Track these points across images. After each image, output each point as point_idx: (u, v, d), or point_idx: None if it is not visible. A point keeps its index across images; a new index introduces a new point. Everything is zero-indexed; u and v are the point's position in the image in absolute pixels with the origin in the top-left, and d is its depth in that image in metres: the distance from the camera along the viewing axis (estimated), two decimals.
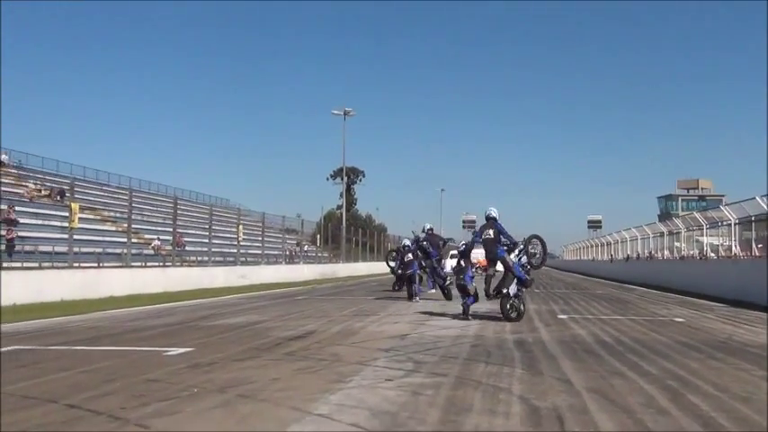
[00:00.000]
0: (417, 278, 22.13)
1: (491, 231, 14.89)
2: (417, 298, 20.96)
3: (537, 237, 15.41)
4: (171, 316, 15.96)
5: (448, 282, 20.50)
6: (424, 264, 22.47)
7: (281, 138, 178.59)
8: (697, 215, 30.47)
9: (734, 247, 26.75)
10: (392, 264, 26.24)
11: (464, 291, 15.37)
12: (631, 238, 44.48)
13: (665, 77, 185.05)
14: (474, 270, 32.14)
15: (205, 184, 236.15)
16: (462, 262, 15.39)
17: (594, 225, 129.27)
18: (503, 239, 14.83)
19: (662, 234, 37.32)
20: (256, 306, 19.35)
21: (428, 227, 23.60)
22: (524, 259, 14.94)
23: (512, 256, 14.77)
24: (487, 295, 15.44)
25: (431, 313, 16.53)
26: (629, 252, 44.70)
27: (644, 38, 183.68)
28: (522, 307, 14.80)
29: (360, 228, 62.84)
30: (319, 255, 52.36)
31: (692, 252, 32.20)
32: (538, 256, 15.20)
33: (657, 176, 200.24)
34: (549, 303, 20.19)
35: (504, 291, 14.60)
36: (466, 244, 15.73)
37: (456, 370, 8.19)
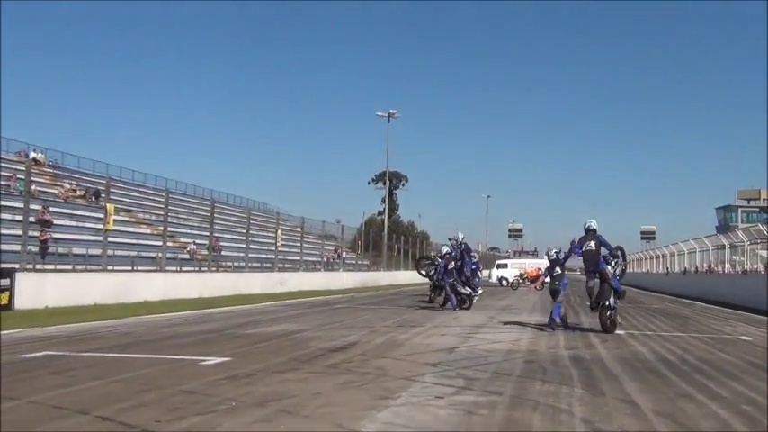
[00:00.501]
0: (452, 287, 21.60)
1: (592, 243, 15.34)
2: (455, 307, 20.84)
3: (620, 248, 16.12)
4: (207, 323, 15.89)
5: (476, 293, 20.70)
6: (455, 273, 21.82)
7: (323, 141, 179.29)
8: (762, 227, 29.71)
9: None
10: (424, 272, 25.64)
11: (556, 294, 16.46)
12: (689, 251, 43.64)
13: (726, 80, 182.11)
14: (523, 280, 31.34)
15: (243, 188, 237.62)
16: (559, 269, 16.63)
17: (648, 236, 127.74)
18: (603, 251, 15.39)
19: (722, 247, 36.54)
20: (295, 314, 19.22)
21: (461, 237, 22.63)
22: (618, 270, 15.55)
23: (608, 267, 15.32)
24: (592, 307, 15.72)
25: (479, 326, 16.22)
26: (686, 265, 43.85)
27: (706, 45, 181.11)
28: (618, 318, 15.60)
29: (402, 235, 62.75)
30: (359, 262, 52.28)
31: (755, 266, 31.43)
32: (620, 267, 15.89)
33: (716, 186, 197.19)
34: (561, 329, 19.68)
35: (606, 303, 15.15)
36: (559, 252, 16.83)
37: (510, 388, 7.92)
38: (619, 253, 15.83)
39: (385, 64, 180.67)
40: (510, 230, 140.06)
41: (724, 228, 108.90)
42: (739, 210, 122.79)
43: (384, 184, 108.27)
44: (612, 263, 15.38)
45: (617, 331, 15.36)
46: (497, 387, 7.92)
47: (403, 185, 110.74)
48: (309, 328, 14.80)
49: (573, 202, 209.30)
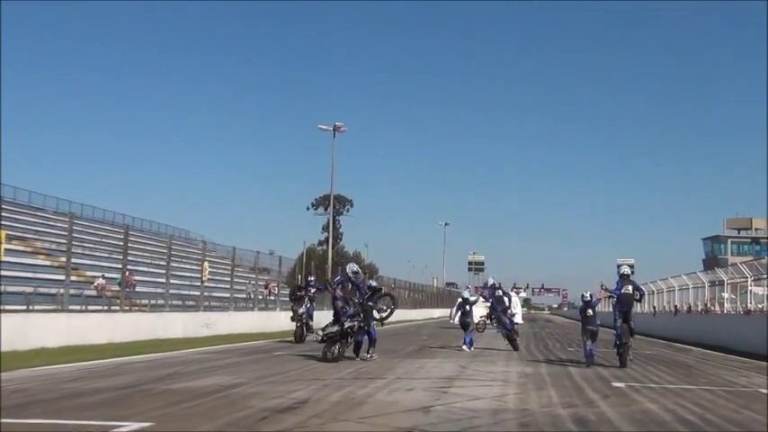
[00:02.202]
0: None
1: (630, 287, 19.76)
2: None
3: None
4: (119, 375, 14.95)
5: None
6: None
7: (253, 159, 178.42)
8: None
9: None
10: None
11: (594, 336, 19.84)
12: (681, 287, 43.64)
13: (714, 100, 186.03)
14: (490, 321, 31.51)
15: (161, 214, 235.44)
16: (591, 311, 19.88)
17: (625, 265, 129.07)
18: (635, 295, 20.04)
19: (720, 283, 36.51)
20: (227, 364, 18.33)
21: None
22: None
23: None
24: (617, 346, 19.62)
25: (450, 377, 15.56)
26: (677, 303, 43.85)
27: (693, 61, 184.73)
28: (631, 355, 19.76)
29: None
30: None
31: (761, 305, 31.37)
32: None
33: (702, 215, 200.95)
34: (594, 367, 19.21)
35: (628, 342, 19.55)
36: (591, 296, 20.10)
37: None
38: (638, 296, 20.49)
39: (328, 78, 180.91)
40: (470, 263, 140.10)
41: (712, 261, 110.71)
42: (729, 240, 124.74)
43: (326, 209, 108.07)
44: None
45: (615, 384, 14.94)
46: None
47: (347, 211, 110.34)
48: (247, 382, 13.94)
49: (538, 233, 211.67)
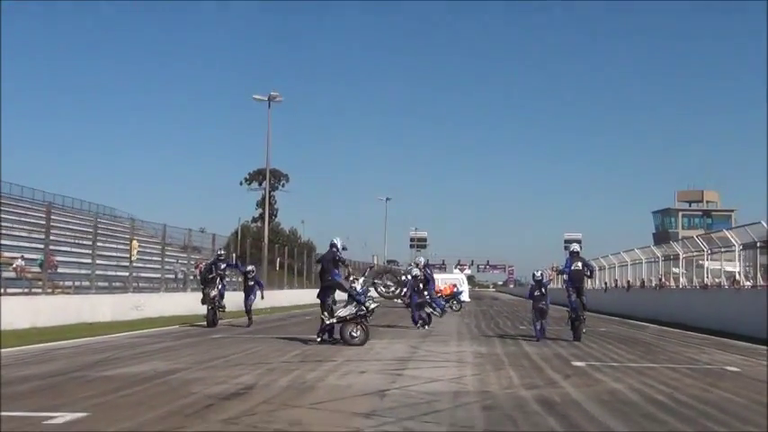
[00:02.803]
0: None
1: (580, 264, 21.46)
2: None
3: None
4: (48, 362, 14.58)
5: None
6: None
7: (183, 131, 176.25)
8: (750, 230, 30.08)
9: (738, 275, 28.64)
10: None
11: (543, 314, 21.47)
12: (633, 262, 44.07)
13: (666, 70, 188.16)
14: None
15: (84, 190, 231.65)
16: (543, 290, 21.72)
17: (574, 243, 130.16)
18: (585, 271, 21.77)
19: (675, 257, 36.92)
20: (161, 348, 18.03)
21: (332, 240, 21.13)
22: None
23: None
24: (571, 319, 21.33)
25: (402, 359, 15.45)
26: (629, 279, 44.29)
27: (639, 31, 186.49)
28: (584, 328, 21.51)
29: (284, 246, 61.47)
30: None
31: (718, 280, 31.76)
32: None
33: (652, 187, 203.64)
34: (551, 345, 19.32)
35: (582, 316, 21.34)
36: (542, 274, 22.82)
37: None
38: (588, 272, 22.32)
39: (262, 47, 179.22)
40: (412, 239, 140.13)
41: (662, 234, 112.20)
42: (680, 213, 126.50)
43: (260, 184, 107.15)
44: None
45: (576, 363, 15.00)
46: None
47: (283, 186, 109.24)
48: (186, 367, 13.64)
49: (483, 208, 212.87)
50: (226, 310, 27.13)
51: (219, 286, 26.43)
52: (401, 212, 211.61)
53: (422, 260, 28.39)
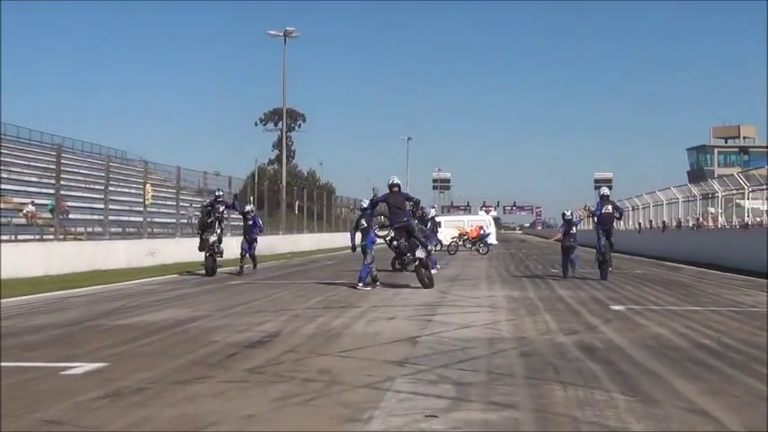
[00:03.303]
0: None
1: (610, 207, 22.55)
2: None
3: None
4: (62, 311, 14.55)
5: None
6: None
7: (196, 70, 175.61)
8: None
9: None
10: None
11: (571, 251, 23.33)
12: (669, 201, 43.71)
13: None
14: (462, 242, 31.98)
15: (93, 133, 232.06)
16: (574, 229, 23.58)
17: (604, 185, 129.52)
18: (615, 213, 22.75)
19: (713, 195, 36.54)
20: (179, 295, 18.02)
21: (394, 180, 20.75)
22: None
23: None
24: (599, 261, 22.39)
25: (431, 304, 15.28)
26: (665, 219, 43.95)
27: None
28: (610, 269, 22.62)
29: (303, 189, 61.34)
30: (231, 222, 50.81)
31: (759, 219, 31.42)
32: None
33: (686, 124, 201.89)
34: (586, 288, 19.16)
35: (610, 258, 22.47)
36: (572, 214, 24.47)
37: (524, 397, 6.93)
38: (618, 214, 23.24)
39: None
40: (435, 181, 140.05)
41: (697, 173, 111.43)
42: (715, 150, 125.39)
43: (276, 124, 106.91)
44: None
45: (614, 307, 14.84)
46: (505, 396, 6.91)
47: (299, 127, 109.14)
48: (206, 315, 13.59)
49: (509, 147, 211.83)
50: (223, 256, 25.64)
51: (218, 231, 24.81)
52: (424, 153, 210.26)
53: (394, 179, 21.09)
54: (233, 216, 30.78)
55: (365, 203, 20.96)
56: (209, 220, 24.77)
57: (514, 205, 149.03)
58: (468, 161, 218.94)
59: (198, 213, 26.85)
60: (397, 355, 9.17)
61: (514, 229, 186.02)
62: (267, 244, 44.89)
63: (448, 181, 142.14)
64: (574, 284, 20.33)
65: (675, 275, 25.04)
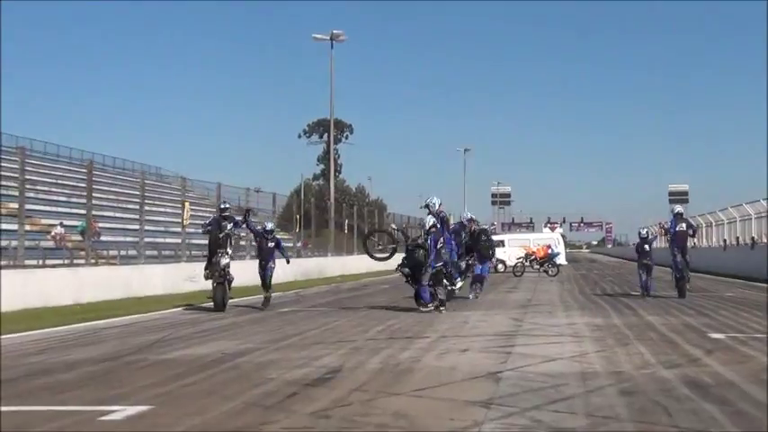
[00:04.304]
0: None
1: (684, 225, 24.41)
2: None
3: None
4: (97, 344, 14.36)
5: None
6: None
7: (231, 79, 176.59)
8: None
9: None
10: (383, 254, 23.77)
11: (650, 270, 25.12)
12: (758, 215, 42.84)
13: None
14: (530, 263, 32.28)
15: (125, 148, 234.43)
16: (647, 247, 25.16)
17: (679, 198, 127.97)
18: (689, 231, 24.94)
19: None
20: (226, 324, 17.76)
21: (437, 202, 21.31)
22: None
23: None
24: (676, 278, 24.02)
25: (507, 334, 14.86)
26: (754, 235, 43.08)
27: None
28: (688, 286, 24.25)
29: (353, 206, 61.12)
30: (294, 245, 50.62)
31: None
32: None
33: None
34: (676, 314, 18.63)
35: (687, 275, 24.04)
36: (648, 232, 26.18)
37: None
38: (692, 232, 25.76)
39: None
40: (494, 196, 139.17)
41: None
42: None
43: (321, 136, 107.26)
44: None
45: (713, 335, 14.29)
46: None
47: (346, 138, 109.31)
48: (257, 347, 13.26)
49: (573, 159, 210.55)
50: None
51: (230, 252, 22.20)
52: (482, 166, 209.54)
53: (436, 201, 21.39)
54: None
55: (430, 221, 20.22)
56: (221, 236, 21.66)
57: (582, 221, 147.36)
58: (529, 174, 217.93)
59: (202, 230, 23.35)
60: (479, 394, 8.72)
61: (581, 247, 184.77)
62: (316, 266, 44.88)
63: (508, 195, 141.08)
64: (662, 309, 19.81)
65: None
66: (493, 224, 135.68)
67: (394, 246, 23.00)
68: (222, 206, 22.96)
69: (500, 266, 47.90)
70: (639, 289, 25.15)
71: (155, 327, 17.33)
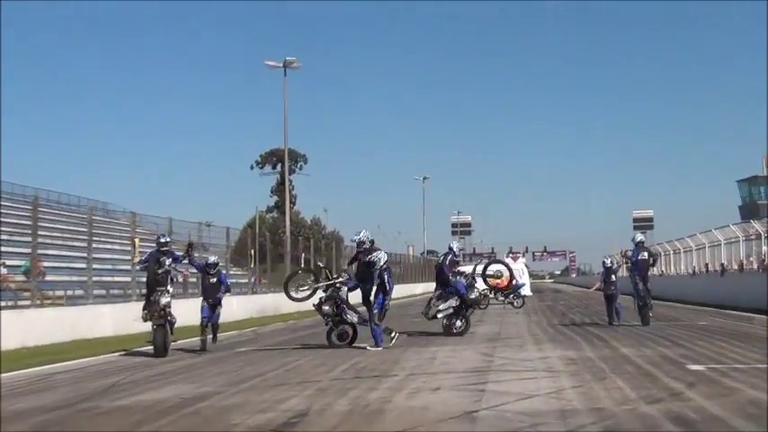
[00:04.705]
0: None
1: (645, 254, 25.74)
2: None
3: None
4: (47, 391, 14.11)
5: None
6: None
7: (180, 110, 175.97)
8: None
9: None
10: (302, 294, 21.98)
11: (613, 300, 26.49)
12: (727, 240, 43.16)
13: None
14: (494, 294, 32.64)
15: (67, 183, 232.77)
16: (614, 276, 26.56)
17: (643, 225, 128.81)
18: (650, 260, 26.15)
19: None
20: (182, 367, 17.49)
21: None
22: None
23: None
24: (639, 306, 25.06)
25: (479, 370, 14.73)
26: (723, 261, 43.39)
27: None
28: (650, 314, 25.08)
29: (309, 239, 60.88)
30: (245, 281, 50.20)
31: None
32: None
33: (737, 154, 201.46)
34: (651, 345, 18.62)
35: (649, 303, 25.18)
36: (612, 261, 27.18)
37: None
38: (652, 260, 26.83)
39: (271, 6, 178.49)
40: (454, 225, 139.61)
41: (750, 207, 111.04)
42: None
43: (274, 167, 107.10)
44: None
45: (692, 367, 14.33)
46: None
47: (300, 168, 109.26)
48: (216, 391, 13.02)
49: (534, 187, 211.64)
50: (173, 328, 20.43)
51: (170, 290, 20.48)
52: (441, 195, 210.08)
53: (364, 234, 20.61)
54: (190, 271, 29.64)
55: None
56: (160, 272, 20.21)
57: (545, 251, 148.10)
58: (490, 202, 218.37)
59: (139, 266, 22.20)
60: None
61: (543, 277, 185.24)
62: (272, 303, 44.54)
63: (469, 225, 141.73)
64: (635, 340, 19.79)
65: (747, 326, 24.40)
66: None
67: (317, 284, 21.71)
68: (161, 240, 21.15)
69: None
70: (607, 318, 26.47)
71: (107, 370, 17.06)
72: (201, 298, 22.40)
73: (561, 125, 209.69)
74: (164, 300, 19.82)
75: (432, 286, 26.65)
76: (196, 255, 23.88)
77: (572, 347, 18.67)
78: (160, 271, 20.16)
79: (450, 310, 23.40)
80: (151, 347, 20.01)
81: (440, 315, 23.54)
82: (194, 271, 26.65)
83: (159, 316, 19.78)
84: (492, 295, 43.92)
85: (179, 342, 22.12)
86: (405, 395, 11.84)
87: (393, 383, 13.23)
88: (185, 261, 21.88)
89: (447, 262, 24.17)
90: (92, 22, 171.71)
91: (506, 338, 21.96)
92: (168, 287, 20.23)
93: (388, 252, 21.92)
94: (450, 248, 24.67)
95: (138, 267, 22.69)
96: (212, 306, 21.99)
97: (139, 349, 21.43)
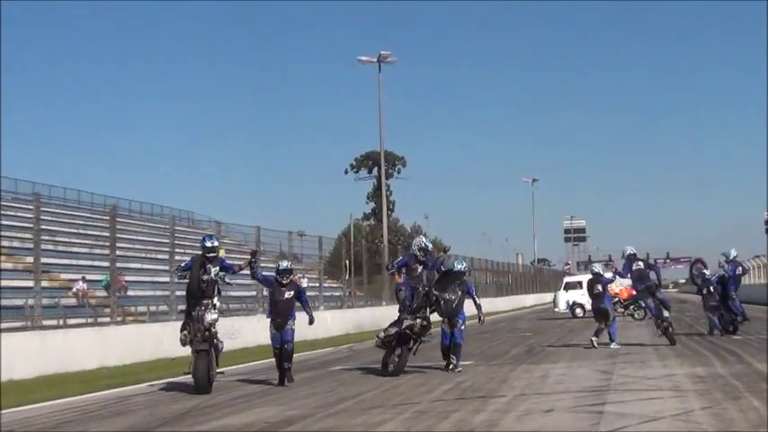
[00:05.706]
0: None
1: (641, 263, 25.19)
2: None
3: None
4: (125, 414, 14.22)
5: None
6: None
7: (265, 111, 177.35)
8: None
9: None
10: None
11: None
12: None
13: None
14: (613, 305, 32.24)
15: (149, 192, 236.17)
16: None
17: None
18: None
19: None
20: (268, 389, 17.54)
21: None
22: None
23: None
24: (656, 320, 24.32)
25: (597, 389, 14.47)
26: None
27: None
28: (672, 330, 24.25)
29: (408, 247, 60.78)
30: (343, 294, 50.31)
31: None
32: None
33: None
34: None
35: (666, 314, 24.76)
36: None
37: None
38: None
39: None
40: (567, 231, 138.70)
41: None
42: None
43: (370, 171, 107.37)
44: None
45: None
46: None
47: (398, 172, 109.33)
48: (307, 414, 13.01)
49: (655, 187, 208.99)
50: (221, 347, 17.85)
51: (217, 304, 17.59)
52: (551, 199, 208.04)
53: (423, 240, 20.14)
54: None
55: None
56: (205, 279, 17.05)
57: (668, 257, 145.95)
58: (606, 206, 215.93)
59: (178, 274, 18.98)
60: None
61: (667, 286, 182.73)
62: (370, 317, 44.46)
63: (583, 231, 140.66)
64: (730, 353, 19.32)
65: None
66: (567, 263, 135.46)
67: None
68: (207, 243, 17.56)
69: (578, 311, 47.46)
70: (715, 329, 27.14)
71: (188, 392, 16.99)
72: (269, 321, 18.49)
73: (687, 116, 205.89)
74: (209, 316, 16.94)
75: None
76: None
77: (699, 363, 18.27)
78: (205, 278, 17.00)
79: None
80: (191, 378, 17.05)
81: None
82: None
83: (203, 338, 16.89)
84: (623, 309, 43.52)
85: (242, 365, 22.20)
86: (513, 418, 11.70)
87: (501, 405, 13.10)
88: (244, 272, 18.72)
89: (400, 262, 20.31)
90: (185, 21, 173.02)
91: (626, 354, 21.55)
92: (215, 300, 17.24)
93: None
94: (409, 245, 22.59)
95: (177, 275, 19.42)
96: (278, 327, 18.14)
97: (173, 380, 19.33)
